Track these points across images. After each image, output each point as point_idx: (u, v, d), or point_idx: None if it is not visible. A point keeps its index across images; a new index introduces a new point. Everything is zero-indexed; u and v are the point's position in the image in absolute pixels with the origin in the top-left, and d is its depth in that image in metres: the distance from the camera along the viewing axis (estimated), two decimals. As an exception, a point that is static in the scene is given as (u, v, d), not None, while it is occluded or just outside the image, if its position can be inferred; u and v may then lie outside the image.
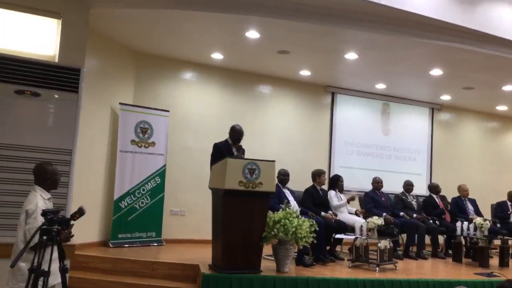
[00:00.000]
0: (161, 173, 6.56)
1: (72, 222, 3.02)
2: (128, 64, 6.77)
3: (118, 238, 6.10)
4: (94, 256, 5.31)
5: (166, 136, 6.68)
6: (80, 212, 3.05)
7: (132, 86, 6.89)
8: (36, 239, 2.79)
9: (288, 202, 5.39)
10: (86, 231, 5.72)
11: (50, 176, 3.23)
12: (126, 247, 6.03)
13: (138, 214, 6.29)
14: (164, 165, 6.60)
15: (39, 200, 3.08)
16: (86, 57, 5.00)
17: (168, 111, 6.73)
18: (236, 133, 5.28)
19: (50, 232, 2.76)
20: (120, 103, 6.28)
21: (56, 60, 4.68)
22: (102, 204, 6.18)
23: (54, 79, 4.42)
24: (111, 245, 5.99)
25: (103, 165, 6.22)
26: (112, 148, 6.32)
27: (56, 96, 4.50)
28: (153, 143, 6.52)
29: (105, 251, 5.71)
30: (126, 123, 6.30)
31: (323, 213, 5.92)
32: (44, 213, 2.80)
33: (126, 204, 6.23)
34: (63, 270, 2.87)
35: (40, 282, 2.74)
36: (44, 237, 2.74)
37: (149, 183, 6.46)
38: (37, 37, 4.76)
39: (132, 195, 6.28)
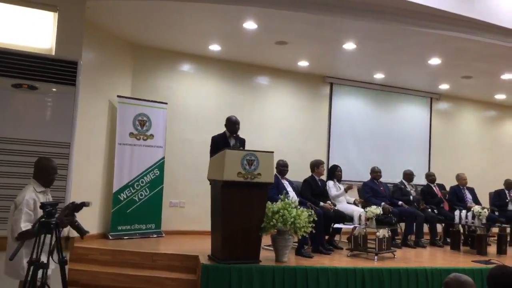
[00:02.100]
0: (160, 165, 6.57)
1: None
2: (125, 57, 6.76)
3: (117, 230, 6.13)
4: (94, 248, 5.34)
5: (165, 128, 6.68)
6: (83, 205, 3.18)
7: (130, 78, 6.88)
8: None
9: (287, 192, 5.40)
10: (85, 224, 5.61)
11: (44, 173, 3.30)
12: (125, 239, 6.06)
13: (137, 206, 6.31)
14: (163, 157, 6.61)
15: (28, 193, 3.14)
16: (83, 50, 4.97)
17: (166, 103, 6.72)
18: (232, 124, 5.29)
19: (49, 224, 2.78)
20: (118, 96, 6.27)
21: (53, 53, 4.66)
22: (101, 196, 6.19)
23: (51, 72, 4.41)
24: (110, 237, 6.02)
25: (102, 158, 6.22)
26: (110, 141, 6.33)
27: (53, 89, 4.49)
28: (152, 136, 6.52)
29: (105, 243, 5.74)
30: (124, 116, 6.30)
31: (321, 203, 5.94)
32: (43, 205, 2.82)
33: (125, 196, 6.25)
34: (62, 262, 2.89)
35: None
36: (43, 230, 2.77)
37: (148, 175, 6.47)
38: (34, 30, 4.73)
39: (131, 188, 6.30)
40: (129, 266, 5.03)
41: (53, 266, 3.09)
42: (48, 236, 2.83)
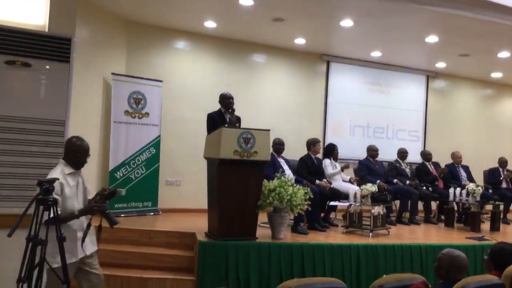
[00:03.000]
0: (156, 144, 6.56)
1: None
2: (119, 34, 6.66)
3: (114, 208, 6.13)
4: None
5: (160, 106, 6.64)
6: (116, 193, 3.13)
7: (124, 56, 6.80)
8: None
9: (283, 171, 5.42)
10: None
11: (73, 154, 3.13)
12: (122, 216, 6.09)
13: (133, 184, 6.32)
14: (159, 136, 6.59)
15: (55, 174, 3.00)
16: (77, 26, 4.91)
17: (161, 81, 6.67)
18: (225, 99, 5.25)
19: (46, 201, 2.77)
20: (113, 73, 6.21)
21: (46, 30, 4.58)
22: (97, 175, 6.20)
23: (45, 49, 4.34)
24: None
25: (97, 136, 6.20)
26: (105, 119, 6.29)
27: (47, 66, 4.42)
28: (147, 114, 6.49)
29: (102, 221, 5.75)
30: (119, 94, 6.24)
31: (317, 181, 5.97)
32: (40, 182, 2.80)
33: (121, 174, 6.25)
34: (60, 239, 2.90)
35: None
36: (41, 207, 2.76)
37: (144, 154, 6.46)
38: (26, 7, 4.64)
39: (127, 166, 6.29)
40: (127, 243, 5.06)
41: (92, 250, 3.17)
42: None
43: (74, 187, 3.15)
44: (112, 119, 6.19)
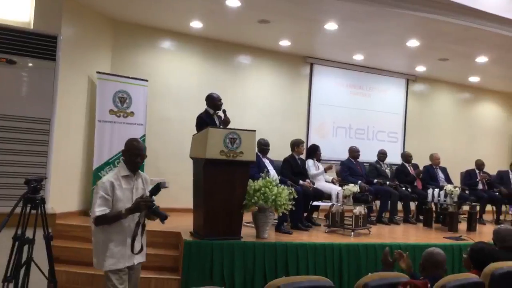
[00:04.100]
0: (141, 143, 6.53)
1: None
2: (105, 32, 6.62)
3: (98, 208, 6.11)
4: (75, 225, 5.34)
5: (145, 105, 6.62)
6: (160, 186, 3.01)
7: (110, 54, 6.76)
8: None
9: (268, 171, 5.49)
10: (65, 200, 5.73)
11: (126, 155, 3.05)
12: (106, 216, 6.06)
13: (117, 183, 6.29)
14: (144, 135, 6.57)
15: (109, 176, 2.97)
16: (62, 24, 4.87)
17: (146, 80, 6.65)
18: (215, 101, 5.25)
19: (34, 200, 2.78)
20: (98, 72, 6.17)
21: (31, 27, 4.55)
22: (81, 174, 6.16)
23: (30, 46, 4.29)
24: (90, 214, 5.99)
25: (82, 135, 6.17)
26: (90, 117, 6.26)
27: (32, 64, 4.38)
28: (132, 113, 6.46)
29: (86, 220, 5.71)
30: (104, 92, 6.21)
31: (301, 182, 6.06)
32: (28, 181, 2.80)
33: (105, 173, 6.20)
34: (47, 238, 2.91)
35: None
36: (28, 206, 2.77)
37: (128, 153, 6.43)
38: (10, 2, 4.60)
39: (111, 165, 6.26)
40: (111, 243, 5.04)
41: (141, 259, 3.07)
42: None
43: (128, 190, 3.01)
44: (97, 118, 6.15)
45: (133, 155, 3.00)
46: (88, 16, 6.15)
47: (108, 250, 2.89)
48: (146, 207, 2.86)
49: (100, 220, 2.85)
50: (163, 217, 2.93)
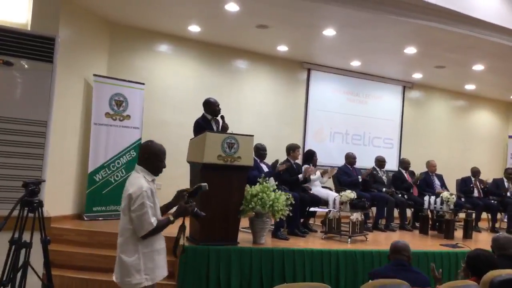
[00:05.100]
0: (137, 147, 6.49)
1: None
2: (102, 35, 6.59)
3: (92, 211, 6.07)
4: (69, 229, 5.28)
5: (142, 109, 6.59)
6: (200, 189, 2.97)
7: (106, 57, 6.73)
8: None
9: (266, 176, 5.46)
10: (60, 204, 5.67)
11: (156, 159, 2.90)
12: (100, 220, 6.01)
13: (113, 187, 6.23)
14: (140, 139, 6.53)
15: (144, 183, 2.76)
16: (59, 26, 4.84)
17: (143, 83, 6.62)
18: (212, 105, 5.22)
19: (32, 203, 2.74)
20: (94, 75, 6.14)
21: (29, 28, 4.51)
22: (76, 177, 6.10)
23: (28, 48, 4.25)
24: (85, 218, 5.95)
25: (77, 138, 6.11)
26: (86, 120, 6.21)
27: (29, 66, 4.34)
28: (128, 116, 6.43)
29: (80, 224, 5.68)
30: (100, 95, 6.17)
31: (305, 165, 6.08)
32: (26, 184, 2.76)
33: (100, 177, 6.16)
34: (45, 242, 2.87)
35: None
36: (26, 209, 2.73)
37: (124, 157, 6.40)
38: (9, 4, 4.56)
39: (107, 168, 6.22)
40: (106, 247, 4.97)
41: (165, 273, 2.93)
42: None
43: (155, 196, 2.92)
44: (93, 120, 6.11)
45: (160, 160, 2.92)
46: (85, 19, 6.12)
47: (153, 261, 2.80)
48: (191, 211, 2.88)
49: (152, 231, 2.74)
50: (200, 216, 2.96)
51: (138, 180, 2.77)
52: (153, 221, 2.72)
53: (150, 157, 2.88)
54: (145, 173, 2.85)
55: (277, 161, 6.11)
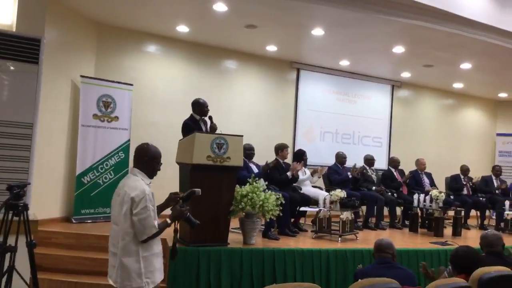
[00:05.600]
0: (125, 148, 6.45)
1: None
2: (89, 35, 6.52)
3: (81, 214, 6.01)
4: (57, 231, 5.22)
5: (130, 110, 6.53)
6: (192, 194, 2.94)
7: (94, 58, 6.66)
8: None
9: (256, 176, 5.44)
10: (47, 207, 5.61)
11: (152, 162, 2.87)
12: (89, 222, 5.96)
13: (101, 189, 6.18)
14: (128, 140, 6.48)
15: (145, 186, 2.75)
16: (45, 27, 4.78)
17: (131, 84, 6.56)
18: (201, 106, 5.21)
19: (17, 206, 2.70)
20: (82, 76, 6.07)
21: (14, 30, 4.46)
22: (64, 179, 6.03)
23: (13, 49, 4.23)
24: (73, 221, 5.89)
25: (65, 140, 6.04)
26: (73, 122, 6.14)
27: (15, 67, 4.31)
28: (116, 118, 6.37)
29: (68, 227, 5.62)
30: (87, 97, 6.11)
31: (294, 163, 6.11)
32: (10, 187, 2.72)
33: (89, 179, 6.10)
34: (30, 245, 2.82)
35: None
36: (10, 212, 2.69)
37: (112, 158, 6.34)
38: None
39: (95, 170, 6.15)
40: (95, 250, 4.94)
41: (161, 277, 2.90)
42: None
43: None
44: (80, 122, 6.04)
45: (157, 163, 2.91)
46: (72, 19, 6.05)
47: (151, 265, 2.77)
48: (186, 214, 2.86)
49: (154, 235, 2.72)
50: (194, 225, 2.94)
51: (139, 184, 2.75)
52: (157, 224, 2.72)
53: (150, 160, 2.86)
54: (143, 176, 2.83)
55: (266, 163, 6.09)
